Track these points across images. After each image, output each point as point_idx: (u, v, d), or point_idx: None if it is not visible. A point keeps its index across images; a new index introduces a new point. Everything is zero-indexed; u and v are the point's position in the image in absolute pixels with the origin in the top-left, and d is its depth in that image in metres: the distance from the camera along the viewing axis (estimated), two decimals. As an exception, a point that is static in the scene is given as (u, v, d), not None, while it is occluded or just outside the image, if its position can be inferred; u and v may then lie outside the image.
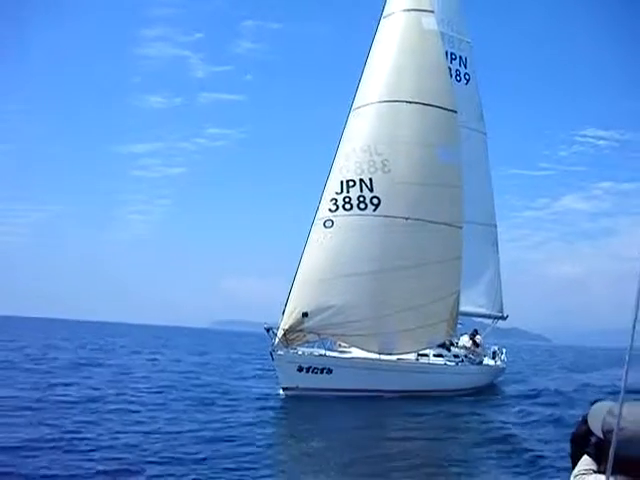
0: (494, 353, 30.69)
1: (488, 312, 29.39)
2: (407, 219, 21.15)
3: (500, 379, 30.15)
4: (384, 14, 24.71)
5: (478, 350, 28.31)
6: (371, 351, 21.38)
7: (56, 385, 20.49)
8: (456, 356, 25.92)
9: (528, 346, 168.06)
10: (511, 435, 15.11)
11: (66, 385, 20.65)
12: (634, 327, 1.99)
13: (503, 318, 30.37)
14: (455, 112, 23.25)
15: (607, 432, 2.35)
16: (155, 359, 37.13)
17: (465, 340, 28.49)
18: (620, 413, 2.18)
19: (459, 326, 29.60)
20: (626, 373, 2.06)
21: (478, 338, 29.47)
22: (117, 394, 19.04)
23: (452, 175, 22.52)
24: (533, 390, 26.60)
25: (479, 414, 18.95)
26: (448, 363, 24.57)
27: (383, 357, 21.60)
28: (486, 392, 26.09)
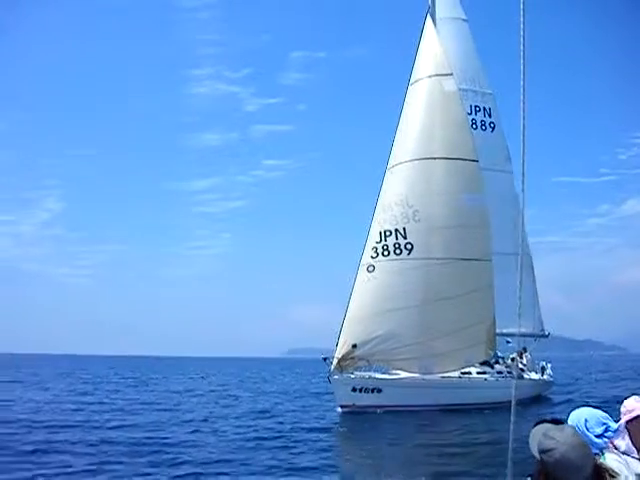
0: (542, 368, 33.94)
1: (529, 331, 32.63)
2: (439, 259, 25.10)
3: (549, 391, 33.20)
4: (411, 81, 28.90)
5: (520, 366, 31.68)
6: (413, 372, 25.32)
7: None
8: (499, 372, 29.36)
9: (603, 357, 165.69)
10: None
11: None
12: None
13: (545, 336, 33.58)
14: (476, 161, 27.05)
15: (542, 453, 2.61)
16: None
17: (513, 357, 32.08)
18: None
19: (510, 345, 33.39)
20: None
21: (527, 355, 32.98)
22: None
23: (477, 217, 26.27)
24: (567, 401, 29.40)
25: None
26: (489, 379, 28.07)
27: (426, 376, 25.51)
28: (528, 404, 29.30)
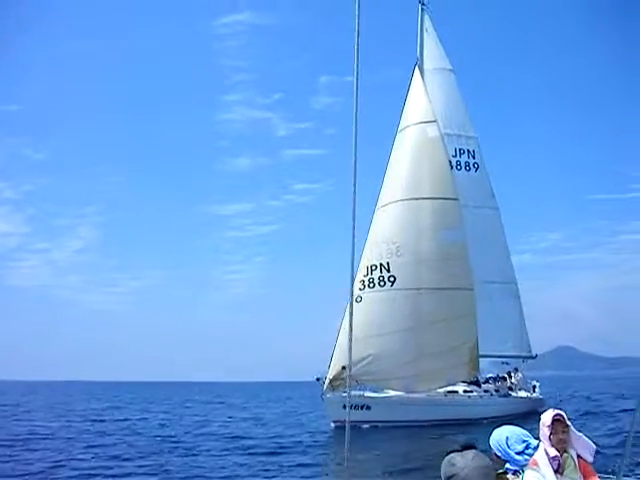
0: (533, 387, 36.64)
1: (516, 353, 35.38)
2: (419, 289, 28.23)
3: (542, 408, 35.72)
4: (399, 128, 32.28)
5: (509, 384, 34.40)
6: (398, 391, 28.38)
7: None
8: (486, 391, 32.19)
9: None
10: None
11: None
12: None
13: (532, 357, 36.27)
14: (456, 199, 30.17)
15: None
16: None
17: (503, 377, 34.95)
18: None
19: (504, 365, 36.30)
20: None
21: (517, 375, 35.73)
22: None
23: (456, 250, 29.27)
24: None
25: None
26: (473, 397, 30.87)
27: (412, 394, 28.48)
28: (516, 419, 31.92)
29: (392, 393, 29.28)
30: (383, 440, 24.41)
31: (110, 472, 17.08)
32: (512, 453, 4.00)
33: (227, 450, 21.74)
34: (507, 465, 4.07)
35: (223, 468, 17.84)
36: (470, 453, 2.91)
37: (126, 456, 20.02)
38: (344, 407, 27.49)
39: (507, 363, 36.43)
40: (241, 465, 18.39)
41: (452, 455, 2.92)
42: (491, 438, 4.12)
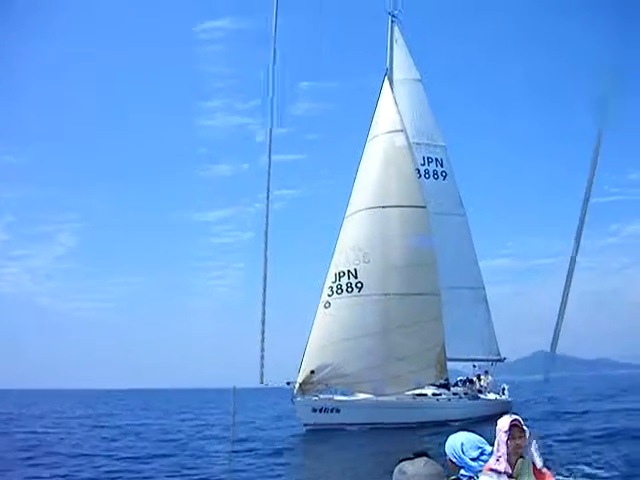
0: (503, 389, 37.47)
1: (484, 357, 36.21)
2: (385, 295, 28.98)
3: (512, 410, 36.56)
4: (368, 138, 33.07)
5: (477, 387, 35.21)
6: (369, 394, 29.09)
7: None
8: (455, 393, 32.95)
9: (613, 376, 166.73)
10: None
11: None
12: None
13: (500, 360, 37.12)
14: (424, 207, 30.99)
15: None
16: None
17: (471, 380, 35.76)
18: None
19: (475, 369, 37.17)
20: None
21: (487, 378, 36.57)
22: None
23: (424, 256, 30.04)
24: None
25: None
26: (441, 399, 31.61)
27: (381, 397, 29.18)
28: (484, 421, 32.44)
29: (362, 396, 29.97)
30: (349, 443, 25.12)
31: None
32: (467, 459, 4.04)
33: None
34: (462, 471, 4.14)
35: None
36: (421, 461, 2.99)
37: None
38: (314, 410, 28.25)
39: (476, 366, 37.32)
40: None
41: (403, 463, 3.02)
42: (446, 445, 4.16)
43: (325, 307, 29.14)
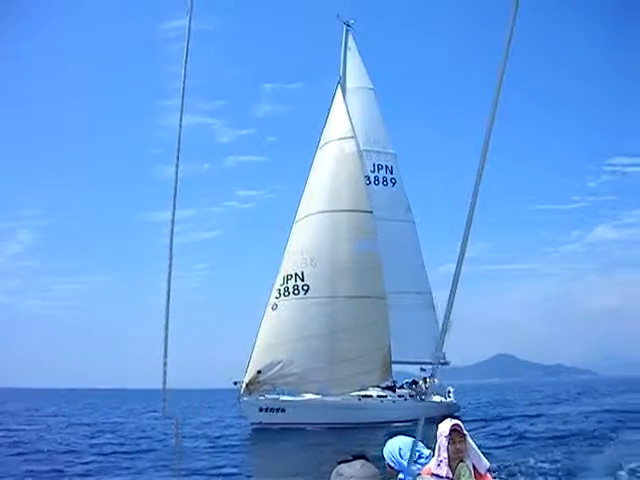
0: (448, 392, 38.46)
1: (429, 360, 37.10)
2: (331, 297, 29.76)
3: (458, 412, 37.58)
4: (319, 145, 33.86)
5: (422, 390, 36.11)
6: (313, 394, 29.82)
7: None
8: (400, 395, 33.80)
9: (572, 382, 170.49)
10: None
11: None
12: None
13: (445, 364, 38.08)
14: (370, 212, 31.83)
15: None
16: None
17: (425, 382, 36.57)
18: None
19: (423, 372, 38.00)
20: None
21: (433, 381, 37.44)
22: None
23: (369, 260, 30.95)
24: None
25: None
26: (386, 401, 32.43)
27: (327, 398, 29.91)
28: (430, 422, 33.53)
29: (308, 397, 30.66)
30: (292, 443, 25.56)
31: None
32: (405, 463, 4.08)
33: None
34: (400, 475, 4.21)
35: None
36: (358, 463, 3.01)
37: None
38: (260, 410, 28.88)
39: (424, 369, 38.22)
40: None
41: (341, 465, 3.03)
42: (384, 449, 4.19)
43: (272, 309, 29.82)
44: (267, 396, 29.78)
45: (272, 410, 28.90)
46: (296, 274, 30.13)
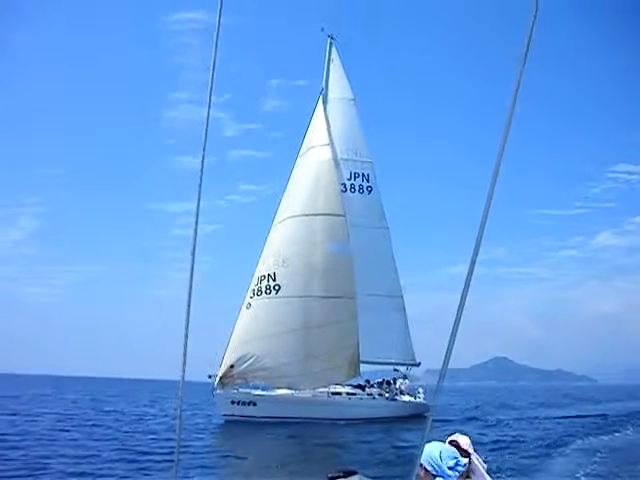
0: (418, 392, 40.07)
1: (399, 360, 38.76)
2: (301, 297, 31.56)
3: (427, 412, 39.13)
4: (300, 153, 35.62)
5: (393, 389, 37.74)
6: (283, 388, 31.70)
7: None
8: (369, 394, 35.49)
9: (569, 387, 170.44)
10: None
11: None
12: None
13: (415, 365, 39.70)
14: (343, 216, 33.55)
15: None
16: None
17: (400, 382, 38.18)
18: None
19: (397, 372, 39.56)
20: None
21: (404, 382, 39.02)
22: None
23: (340, 262, 32.59)
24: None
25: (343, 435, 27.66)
26: (353, 399, 34.14)
27: (297, 393, 31.76)
28: (398, 421, 34.39)
29: (280, 392, 32.49)
30: (262, 436, 26.64)
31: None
32: (445, 468, 4.08)
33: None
34: None
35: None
36: (354, 478, 2.97)
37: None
38: (232, 403, 30.75)
39: (396, 370, 39.77)
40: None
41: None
42: (424, 453, 4.07)
43: (247, 308, 31.66)
44: (240, 390, 31.63)
45: (244, 403, 30.78)
46: (268, 275, 31.96)
